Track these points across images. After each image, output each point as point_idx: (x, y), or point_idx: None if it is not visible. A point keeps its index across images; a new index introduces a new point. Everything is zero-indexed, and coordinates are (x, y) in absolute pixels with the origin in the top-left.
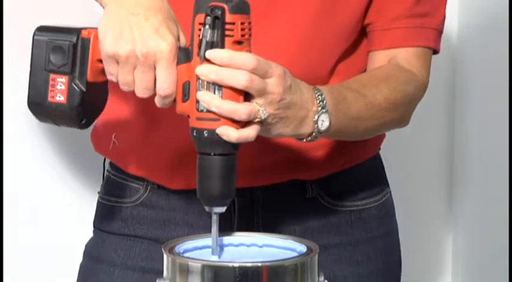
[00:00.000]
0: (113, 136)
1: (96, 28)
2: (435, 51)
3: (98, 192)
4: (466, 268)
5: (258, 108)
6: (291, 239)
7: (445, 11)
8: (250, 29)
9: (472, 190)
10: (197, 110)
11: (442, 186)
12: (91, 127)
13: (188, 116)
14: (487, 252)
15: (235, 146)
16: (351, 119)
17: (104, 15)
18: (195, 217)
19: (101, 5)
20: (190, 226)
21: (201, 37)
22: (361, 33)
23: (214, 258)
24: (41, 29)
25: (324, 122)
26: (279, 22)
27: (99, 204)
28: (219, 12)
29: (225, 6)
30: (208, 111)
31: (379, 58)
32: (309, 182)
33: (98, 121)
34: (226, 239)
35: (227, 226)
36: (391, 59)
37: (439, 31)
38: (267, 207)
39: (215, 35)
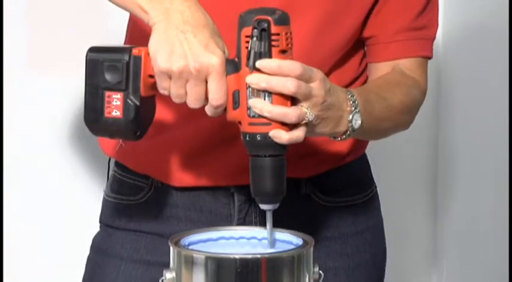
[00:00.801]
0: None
1: (145, 46)
2: (429, 58)
3: (104, 191)
4: (448, 258)
5: (305, 111)
6: (287, 233)
7: (438, 22)
8: (292, 39)
9: (455, 187)
10: (249, 116)
11: (426, 182)
12: None
13: (239, 122)
14: (469, 246)
15: (284, 147)
16: (374, 119)
17: (153, 33)
18: (196, 213)
19: (148, 23)
20: (192, 221)
21: (249, 48)
22: (354, 46)
23: (217, 250)
24: (93, 50)
25: (357, 121)
26: None
27: (105, 201)
28: (265, 25)
29: (270, 18)
30: (260, 116)
31: (384, 68)
32: (303, 180)
33: None
34: (228, 233)
35: (227, 221)
36: (395, 66)
37: (434, 40)
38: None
39: (263, 46)
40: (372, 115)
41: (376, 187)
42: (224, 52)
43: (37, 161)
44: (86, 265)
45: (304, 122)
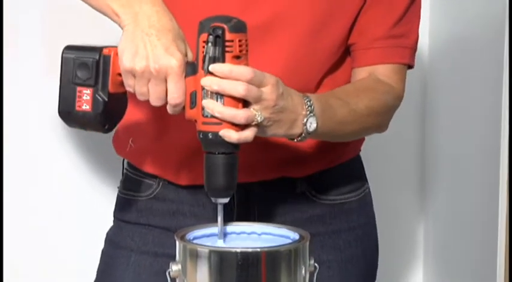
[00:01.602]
0: (130, 140)
1: (116, 46)
2: (410, 66)
3: (118, 188)
4: (436, 252)
5: (255, 113)
6: (285, 228)
7: (418, 32)
8: (247, 45)
9: (441, 186)
10: (203, 115)
11: (414, 182)
12: (112, 133)
13: (195, 121)
14: (455, 240)
15: (236, 146)
16: (336, 123)
17: (122, 35)
18: (200, 209)
19: (120, 25)
20: (196, 216)
21: (204, 53)
22: (345, 52)
23: (220, 242)
24: (68, 48)
25: (311, 124)
26: (273, 42)
27: (118, 197)
28: (220, 32)
29: (225, 26)
30: (213, 116)
31: (362, 73)
32: (298, 179)
33: (118, 128)
34: (230, 228)
35: (228, 217)
36: (371, 73)
37: (414, 49)
38: (262, 200)
39: (217, 51)
40: (333, 119)
41: (368, 186)
42: (186, 55)
43: (58, 161)
44: (101, 257)
45: (254, 123)
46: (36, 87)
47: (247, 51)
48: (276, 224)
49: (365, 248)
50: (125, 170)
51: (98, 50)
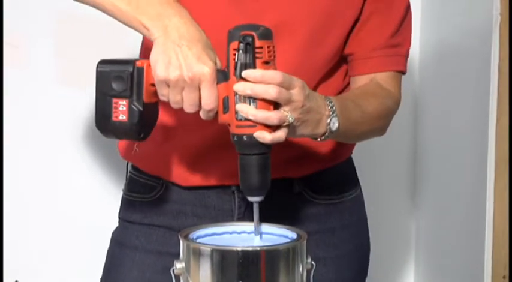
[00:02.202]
0: (135, 145)
1: (147, 59)
2: (403, 73)
3: (122, 190)
4: (427, 248)
5: (286, 114)
6: (284, 228)
7: (410, 41)
8: (274, 51)
9: (431, 186)
10: (236, 119)
11: (406, 183)
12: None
13: (229, 125)
14: (444, 237)
15: (268, 147)
16: (351, 123)
17: (154, 47)
18: (202, 209)
19: (150, 38)
20: (198, 217)
21: (236, 60)
22: (339, 60)
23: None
24: (102, 62)
25: (334, 124)
26: None
27: (123, 199)
28: (250, 39)
29: (254, 34)
30: (246, 119)
31: (363, 80)
32: (296, 180)
33: None
34: (230, 228)
35: (229, 216)
36: (372, 79)
37: (407, 57)
38: (262, 201)
39: (248, 57)
40: (349, 120)
41: (360, 186)
42: (215, 63)
43: (67, 165)
44: (106, 256)
45: (285, 124)
46: (48, 95)
47: (275, 56)
48: (275, 224)
49: (357, 245)
50: (129, 173)
51: (132, 62)
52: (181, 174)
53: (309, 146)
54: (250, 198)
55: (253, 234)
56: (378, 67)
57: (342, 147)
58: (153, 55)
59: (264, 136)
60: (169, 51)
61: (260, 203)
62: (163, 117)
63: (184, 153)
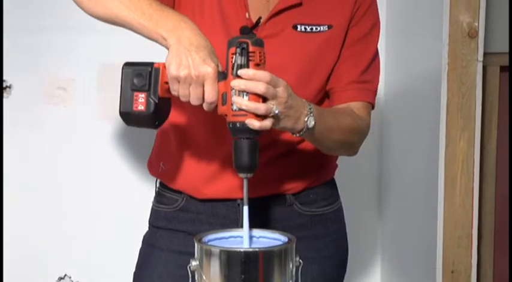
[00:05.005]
0: (161, 164)
1: (163, 62)
2: (372, 105)
3: (152, 202)
4: (390, 249)
5: (272, 106)
6: (277, 233)
7: (378, 80)
8: (265, 57)
9: (393, 199)
10: (232, 109)
11: (373, 197)
12: (147, 156)
13: (226, 115)
14: (404, 240)
15: (257, 132)
16: (326, 128)
17: (169, 52)
18: (213, 218)
19: (166, 46)
20: (210, 224)
21: (233, 62)
22: (324, 95)
23: (228, 245)
24: (127, 64)
25: (311, 122)
26: None
27: (152, 209)
28: (245, 45)
29: (249, 41)
30: (240, 109)
31: (342, 107)
32: (288, 195)
33: (152, 155)
34: (235, 233)
35: (235, 223)
36: (347, 107)
37: (375, 92)
38: (261, 211)
39: (243, 60)
40: (324, 124)
41: (340, 201)
42: (217, 65)
43: (110, 185)
44: (139, 254)
45: (271, 115)
46: (89, 127)
47: (265, 60)
48: (270, 230)
49: (338, 247)
50: (157, 188)
51: (150, 64)
52: (197, 190)
53: (300, 169)
54: (241, 175)
55: (253, 238)
56: (352, 97)
57: (326, 169)
58: (168, 58)
59: (254, 123)
60: (181, 55)
61: (260, 214)
62: (184, 146)
63: (199, 173)
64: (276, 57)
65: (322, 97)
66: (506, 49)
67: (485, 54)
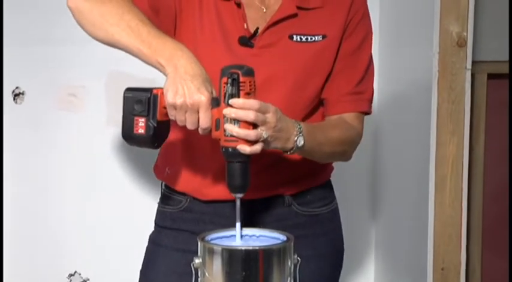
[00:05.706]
0: (167, 168)
1: (161, 88)
2: (368, 113)
3: (158, 203)
4: (384, 248)
5: (261, 132)
6: (276, 232)
7: (373, 88)
8: (255, 85)
9: (387, 201)
10: (225, 135)
11: (367, 199)
12: (153, 161)
13: (219, 140)
14: (397, 240)
15: (248, 156)
16: (316, 143)
17: (166, 79)
18: (216, 218)
19: (164, 73)
20: (213, 223)
21: (225, 91)
22: (318, 103)
23: (229, 244)
24: (128, 90)
25: (300, 142)
26: (267, 97)
27: (158, 210)
28: (236, 76)
29: (239, 72)
30: (232, 135)
31: (333, 119)
32: (286, 197)
33: (158, 160)
34: (236, 232)
35: (235, 224)
36: (340, 117)
37: (371, 100)
38: (261, 212)
39: (234, 89)
40: (314, 141)
41: (336, 202)
42: (212, 93)
43: (119, 188)
44: (145, 253)
45: (261, 139)
46: (98, 133)
47: (255, 89)
48: (270, 229)
49: (334, 246)
50: (162, 190)
51: (149, 90)
52: (201, 192)
53: (298, 172)
54: (234, 194)
55: (254, 237)
56: (345, 109)
57: (322, 172)
58: (165, 85)
59: (245, 149)
60: (177, 84)
61: (260, 214)
62: (187, 148)
63: (202, 176)
64: (272, 66)
65: (317, 105)
66: (494, 58)
67: (473, 62)
